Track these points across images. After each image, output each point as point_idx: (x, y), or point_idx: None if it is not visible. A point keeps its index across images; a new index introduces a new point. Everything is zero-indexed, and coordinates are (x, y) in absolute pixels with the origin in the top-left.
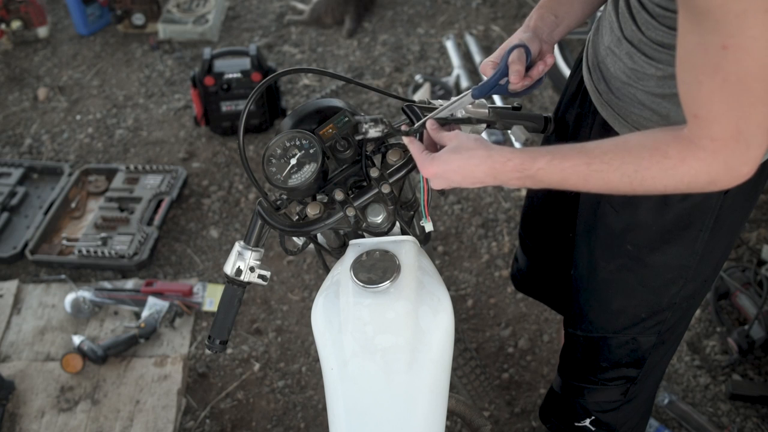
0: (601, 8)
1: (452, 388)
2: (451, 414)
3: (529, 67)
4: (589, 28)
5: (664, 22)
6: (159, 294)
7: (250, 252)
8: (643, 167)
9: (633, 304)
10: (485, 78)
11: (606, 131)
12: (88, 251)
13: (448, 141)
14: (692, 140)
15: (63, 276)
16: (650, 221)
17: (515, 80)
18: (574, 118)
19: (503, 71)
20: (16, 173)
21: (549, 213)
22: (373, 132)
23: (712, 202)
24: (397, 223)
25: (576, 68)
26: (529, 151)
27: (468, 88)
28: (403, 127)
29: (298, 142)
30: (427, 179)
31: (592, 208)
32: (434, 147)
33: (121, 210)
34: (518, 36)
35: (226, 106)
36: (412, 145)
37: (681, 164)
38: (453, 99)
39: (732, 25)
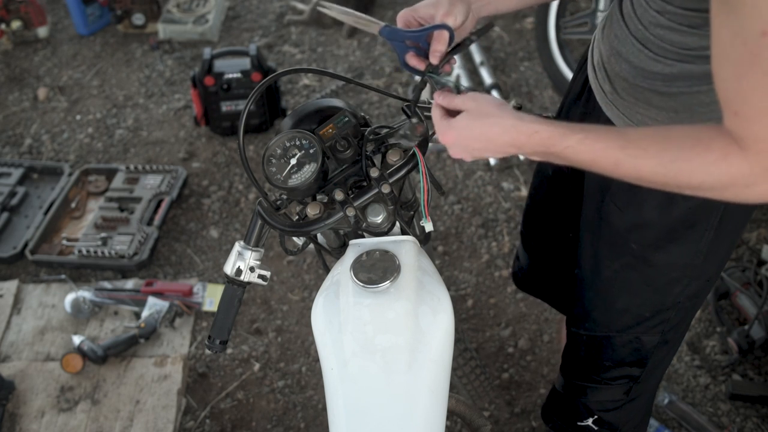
0: (609, 7)
1: (452, 388)
2: (451, 414)
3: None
4: (590, 28)
5: (673, 19)
6: (159, 294)
7: (250, 252)
8: (682, 157)
9: (637, 303)
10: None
11: None
12: (88, 251)
13: (463, 105)
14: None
15: (63, 276)
16: (655, 220)
17: (434, 62)
18: (578, 118)
19: (422, 40)
20: (16, 173)
21: (552, 211)
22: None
23: (716, 200)
24: (397, 223)
25: (580, 68)
26: (559, 126)
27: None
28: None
29: (298, 142)
30: (427, 181)
31: (596, 207)
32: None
33: (121, 210)
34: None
35: (226, 106)
36: (435, 110)
37: (723, 160)
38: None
39: None
